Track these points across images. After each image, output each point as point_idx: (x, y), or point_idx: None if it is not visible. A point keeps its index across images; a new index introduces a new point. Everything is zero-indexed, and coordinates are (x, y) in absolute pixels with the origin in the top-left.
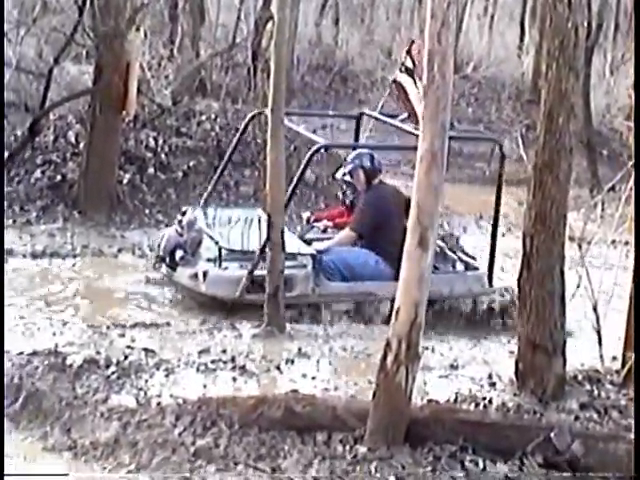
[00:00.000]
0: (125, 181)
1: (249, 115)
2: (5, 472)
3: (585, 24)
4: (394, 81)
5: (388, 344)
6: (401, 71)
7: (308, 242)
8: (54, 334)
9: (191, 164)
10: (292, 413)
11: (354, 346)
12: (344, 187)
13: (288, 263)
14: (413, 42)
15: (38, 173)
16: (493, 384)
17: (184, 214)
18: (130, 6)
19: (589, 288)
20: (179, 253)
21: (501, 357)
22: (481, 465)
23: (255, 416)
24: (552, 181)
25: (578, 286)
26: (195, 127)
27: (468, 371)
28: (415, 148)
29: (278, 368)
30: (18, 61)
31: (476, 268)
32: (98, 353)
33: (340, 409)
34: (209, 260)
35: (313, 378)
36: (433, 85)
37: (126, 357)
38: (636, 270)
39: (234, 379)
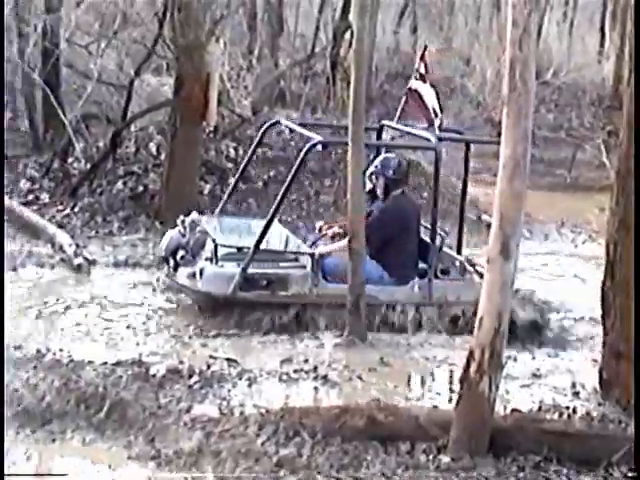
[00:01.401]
0: (206, 191)
1: (266, 124)
2: (5, 472)
3: None
4: (409, 89)
5: (471, 353)
6: (416, 78)
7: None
8: (137, 344)
9: (271, 174)
10: (375, 423)
11: (436, 355)
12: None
13: (286, 263)
14: (427, 47)
15: (120, 184)
16: (577, 393)
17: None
18: (210, 18)
19: None
20: (180, 253)
21: (584, 366)
22: (565, 476)
23: (338, 426)
24: (636, 187)
25: None
26: (275, 137)
27: (551, 380)
28: (415, 147)
29: (360, 377)
30: (99, 73)
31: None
32: (181, 363)
33: (423, 418)
34: (208, 259)
35: (395, 387)
36: (515, 92)
37: (209, 367)
38: (636, 270)
39: (316, 389)
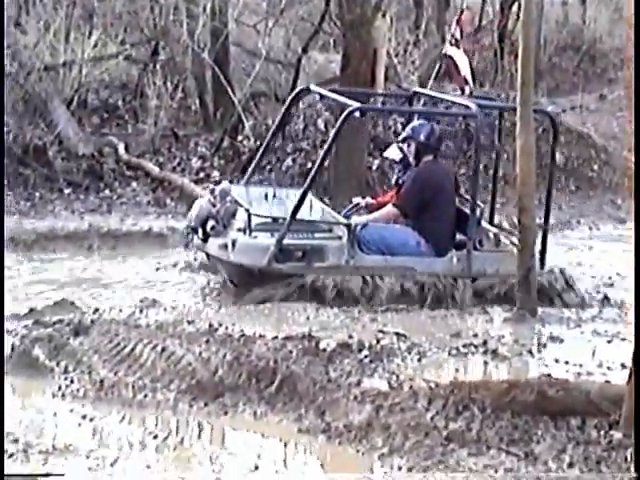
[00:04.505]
0: (374, 167)
1: (295, 91)
2: (5, 472)
3: None
4: (445, 55)
5: None
6: (451, 44)
7: (347, 217)
8: (308, 318)
9: None
10: (545, 398)
11: (607, 330)
12: (394, 167)
13: (322, 234)
14: (463, 11)
15: (289, 161)
16: None
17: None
18: None
19: None
20: (210, 223)
21: None
22: None
23: (507, 400)
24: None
25: None
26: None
27: None
28: (455, 114)
29: (530, 352)
30: (267, 52)
31: None
32: (350, 337)
33: (594, 394)
34: (240, 230)
35: (566, 362)
36: None
37: (378, 341)
38: (636, 273)
39: (486, 363)
